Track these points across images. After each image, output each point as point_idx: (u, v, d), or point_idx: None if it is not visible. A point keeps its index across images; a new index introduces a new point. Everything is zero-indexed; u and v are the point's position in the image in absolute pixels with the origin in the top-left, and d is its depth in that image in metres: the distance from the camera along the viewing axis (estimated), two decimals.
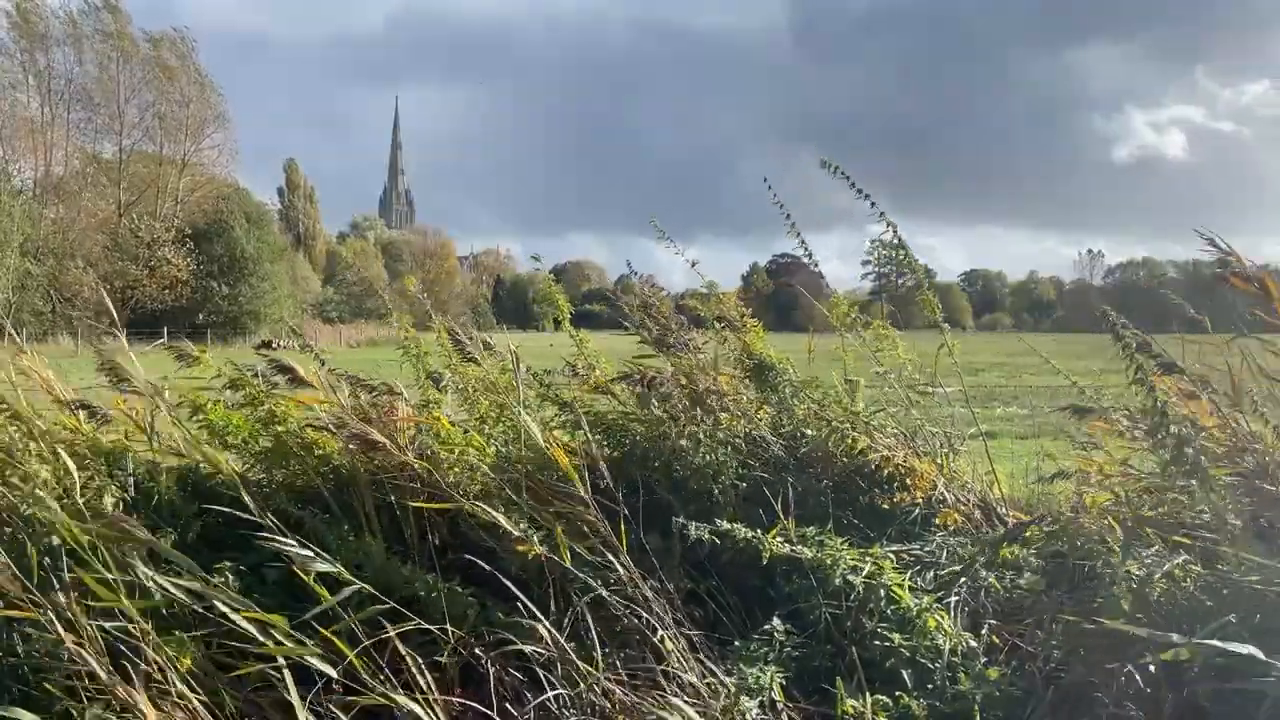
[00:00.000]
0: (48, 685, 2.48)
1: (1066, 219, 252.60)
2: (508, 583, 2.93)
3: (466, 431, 3.73)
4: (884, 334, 4.08)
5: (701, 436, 3.72)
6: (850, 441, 3.59)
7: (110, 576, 2.54)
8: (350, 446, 3.41)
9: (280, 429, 3.66)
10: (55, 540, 2.75)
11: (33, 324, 46.58)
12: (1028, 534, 3.11)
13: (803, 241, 4.11)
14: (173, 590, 2.53)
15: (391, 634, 2.59)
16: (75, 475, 3.04)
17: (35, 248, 48.61)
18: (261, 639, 2.45)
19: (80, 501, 3.00)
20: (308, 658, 2.43)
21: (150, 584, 2.51)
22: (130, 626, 2.52)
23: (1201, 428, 3.06)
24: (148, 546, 2.73)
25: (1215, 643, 2.10)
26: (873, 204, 3.93)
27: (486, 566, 3.01)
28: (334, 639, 2.46)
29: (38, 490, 2.88)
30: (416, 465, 3.31)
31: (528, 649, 2.72)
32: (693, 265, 4.57)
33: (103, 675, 2.35)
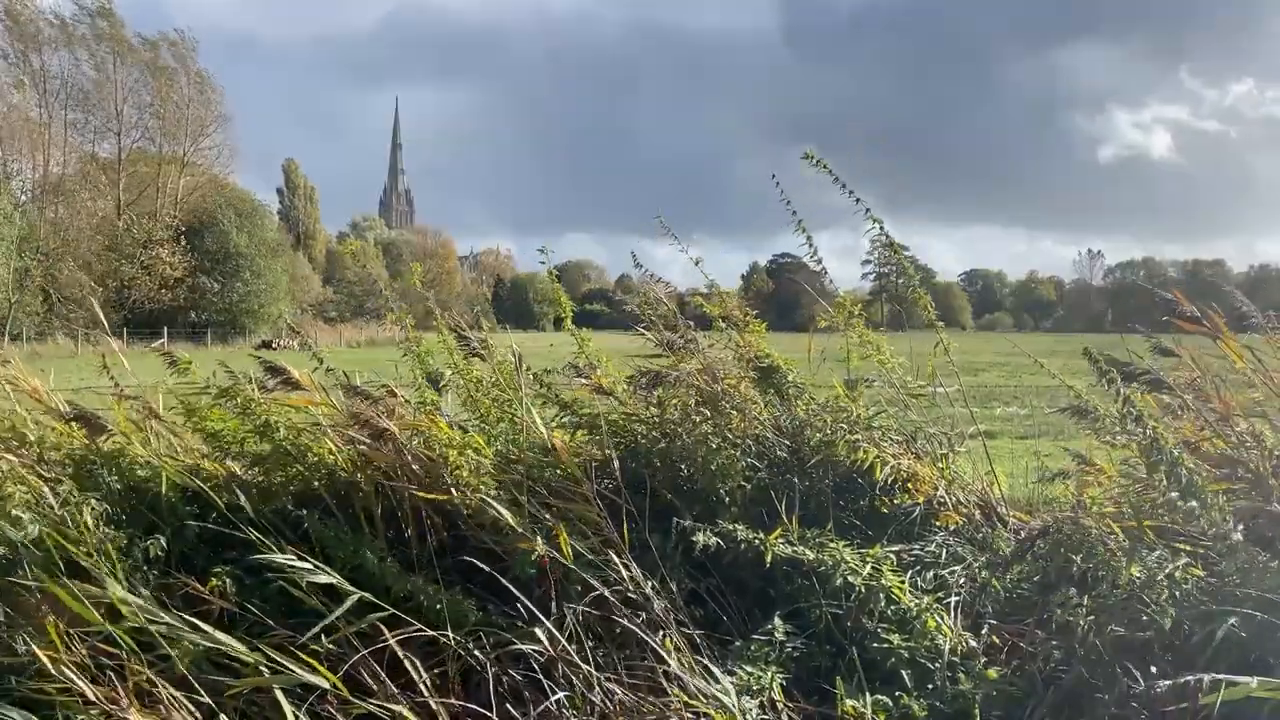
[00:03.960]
0: (45, 689, 2.47)
1: (1059, 219, 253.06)
2: (508, 584, 2.93)
3: (467, 431, 3.73)
4: (868, 339, 4.07)
5: (710, 437, 3.72)
6: (854, 452, 3.58)
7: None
8: (350, 450, 3.40)
9: (275, 437, 3.63)
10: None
11: (30, 324, 46.67)
12: (1035, 546, 3.10)
13: (809, 238, 4.10)
14: (145, 611, 2.49)
15: (390, 641, 2.58)
16: (48, 493, 3.01)
17: (34, 248, 48.60)
18: (248, 657, 2.43)
19: (59, 516, 2.99)
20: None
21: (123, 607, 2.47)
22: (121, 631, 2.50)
23: (1193, 444, 3.08)
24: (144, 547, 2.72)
25: None
26: (857, 200, 3.96)
27: (486, 568, 3.01)
28: (317, 665, 2.43)
29: (15, 510, 2.87)
30: (416, 468, 3.30)
31: (527, 649, 2.72)
32: (697, 263, 4.57)
33: (89, 692, 2.34)
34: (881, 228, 3.97)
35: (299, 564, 2.61)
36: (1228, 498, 2.89)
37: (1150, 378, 3.10)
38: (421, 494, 3.29)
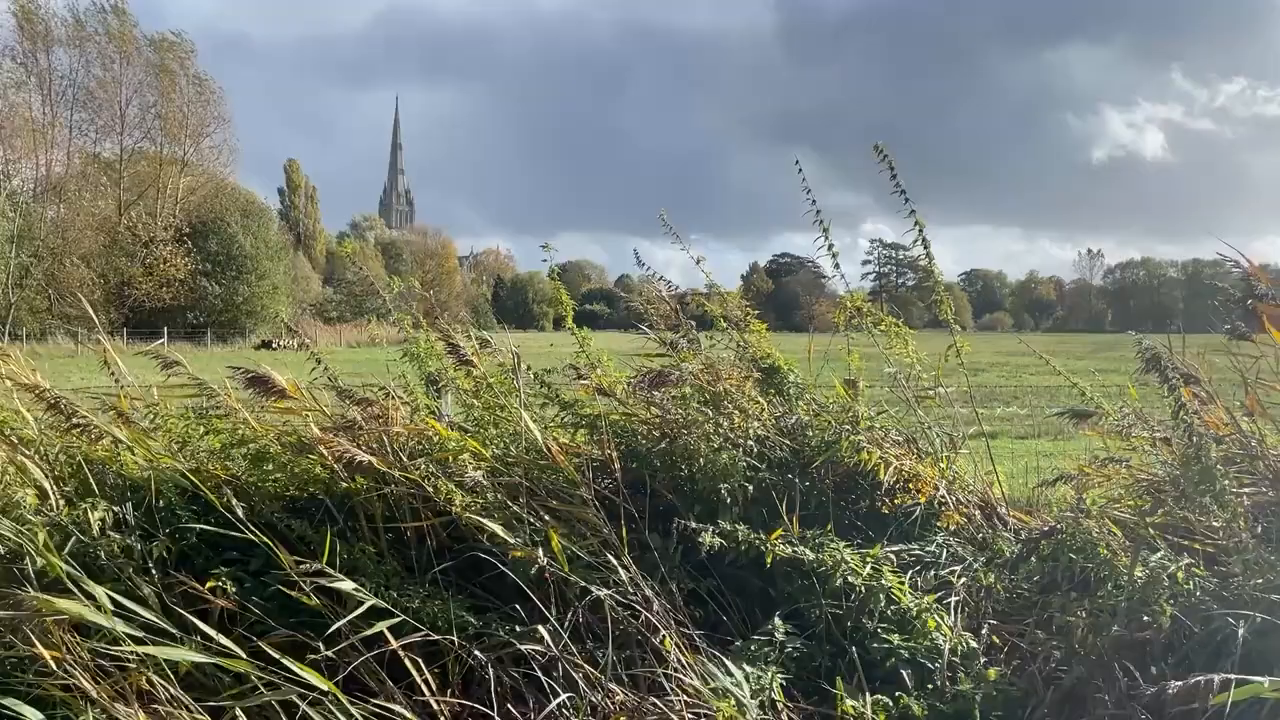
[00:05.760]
0: (47, 688, 2.47)
1: (1056, 219, 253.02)
2: (509, 585, 2.93)
3: (466, 432, 3.72)
4: (896, 332, 4.09)
5: (711, 437, 3.71)
6: (856, 453, 3.59)
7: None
8: (344, 460, 3.38)
9: (267, 458, 3.62)
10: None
11: (31, 323, 46.69)
12: (1040, 548, 3.09)
13: (825, 230, 4.11)
14: (133, 628, 2.47)
15: (395, 646, 2.58)
16: (54, 498, 3.00)
17: (35, 247, 48.65)
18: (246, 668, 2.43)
19: (65, 519, 2.98)
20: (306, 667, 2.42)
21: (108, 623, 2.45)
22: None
23: (1219, 436, 3.07)
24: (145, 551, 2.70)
25: None
26: (908, 201, 4.00)
27: (490, 560, 3.01)
28: (316, 675, 2.43)
29: (21, 513, 2.86)
30: (411, 474, 3.29)
31: (527, 649, 2.72)
32: (698, 262, 4.57)
33: (92, 692, 2.34)
34: (916, 220, 4.01)
35: (329, 579, 2.62)
36: (1240, 494, 2.89)
37: (1186, 373, 3.09)
38: (417, 508, 3.28)
